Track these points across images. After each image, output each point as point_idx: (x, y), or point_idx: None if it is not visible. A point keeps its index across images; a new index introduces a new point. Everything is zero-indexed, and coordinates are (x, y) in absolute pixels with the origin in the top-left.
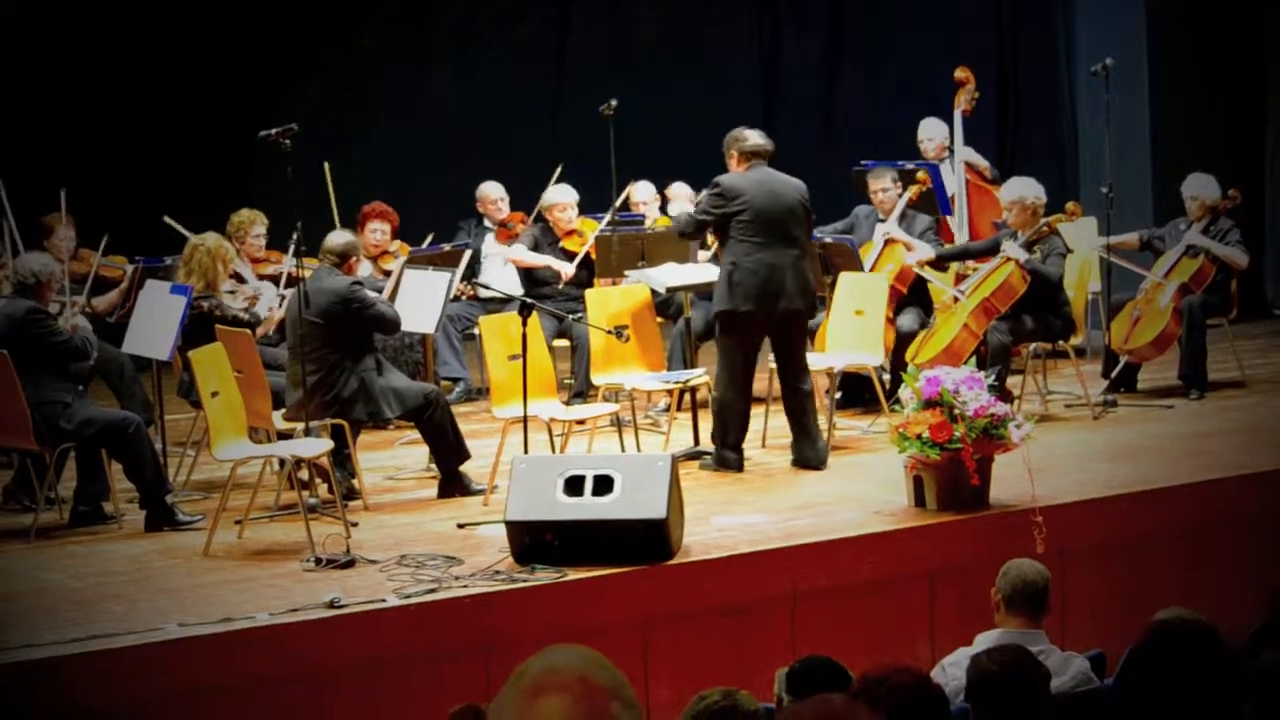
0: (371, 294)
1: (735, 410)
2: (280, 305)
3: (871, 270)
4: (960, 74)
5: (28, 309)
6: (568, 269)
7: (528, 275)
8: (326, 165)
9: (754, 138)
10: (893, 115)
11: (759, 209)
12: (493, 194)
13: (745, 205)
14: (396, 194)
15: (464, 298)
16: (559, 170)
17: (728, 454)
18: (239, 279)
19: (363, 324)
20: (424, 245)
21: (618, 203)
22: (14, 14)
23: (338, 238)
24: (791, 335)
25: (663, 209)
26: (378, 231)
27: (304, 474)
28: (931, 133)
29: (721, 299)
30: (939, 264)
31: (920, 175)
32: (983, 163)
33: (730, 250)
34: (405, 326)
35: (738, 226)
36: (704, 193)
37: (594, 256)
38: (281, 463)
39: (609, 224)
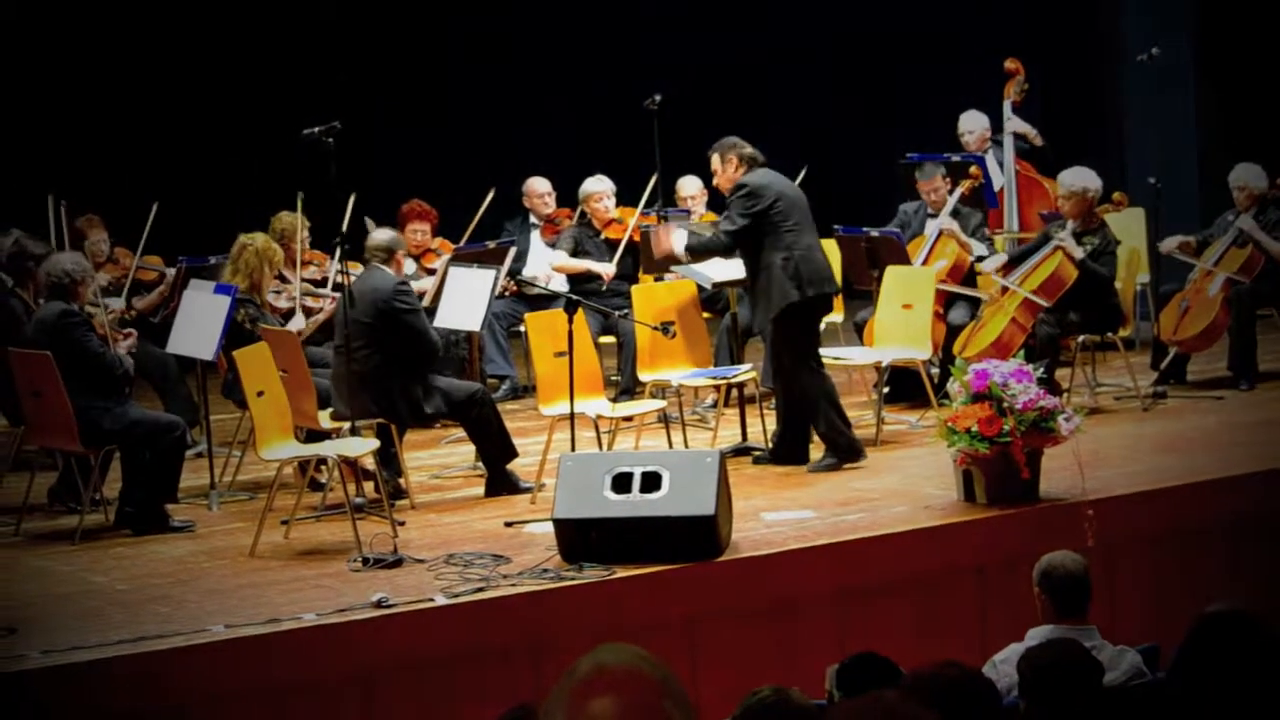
0: (417, 300)
1: (831, 395)
2: (326, 307)
3: (924, 265)
4: (1010, 64)
5: (60, 312)
6: (608, 269)
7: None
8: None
9: (749, 146)
10: (939, 106)
11: (790, 199)
12: (540, 188)
13: (778, 196)
14: (436, 193)
15: (509, 294)
16: (597, 177)
17: (851, 439)
18: (283, 279)
19: (405, 327)
20: (464, 241)
21: (651, 184)
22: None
23: (381, 234)
24: (821, 321)
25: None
26: (419, 231)
27: (323, 476)
28: (973, 125)
29: (785, 293)
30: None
31: (973, 170)
32: (1031, 130)
33: (775, 245)
34: (451, 324)
35: (777, 218)
36: (732, 201)
37: (636, 240)
38: (323, 462)
39: (645, 207)
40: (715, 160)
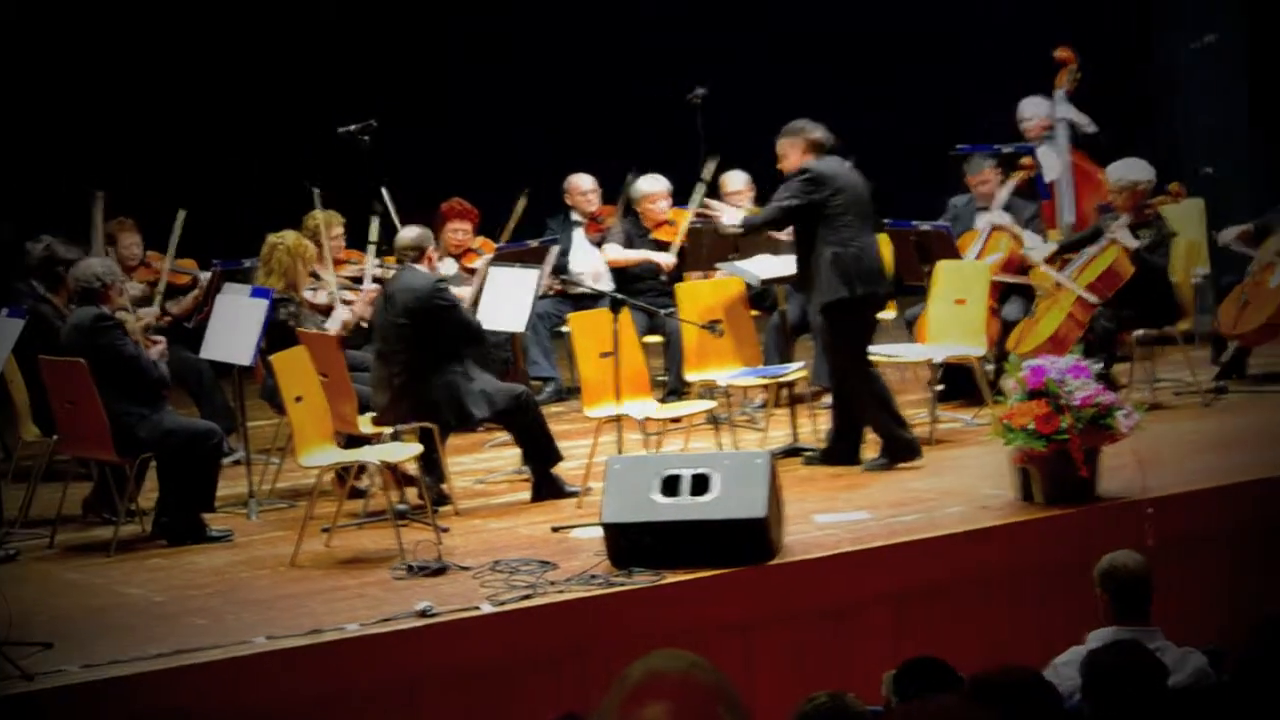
0: (455, 295)
1: (883, 395)
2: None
3: (978, 259)
4: (1061, 53)
5: (94, 316)
6: (668, 259)
7: (620, 270)
8: (385, 193)
9: (820, 130)
10: (991, 97)
11: (851, 193)
12: (583, 185)
13: (839, 189)
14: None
15: (552, 293)
16: (629, 178)
17: (905, 434)
18: (316, 277)
19: (449, 324)
20: (505, 239)
21: (703, 180)
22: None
23: (408, 232)
24: (875, 320)
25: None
26: (459, 231)
27: (363, 483)
28: (1032, 111)
29: (832, 288)
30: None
31: (1025, 160)
32: (1083, 118)
33: (828, 238)
34: (494, 325)
35: (834, 211)
36: (791, 182)
37: (686, 245)
38: (363, 469)
39: (697, 214)
40: (783, 145)
